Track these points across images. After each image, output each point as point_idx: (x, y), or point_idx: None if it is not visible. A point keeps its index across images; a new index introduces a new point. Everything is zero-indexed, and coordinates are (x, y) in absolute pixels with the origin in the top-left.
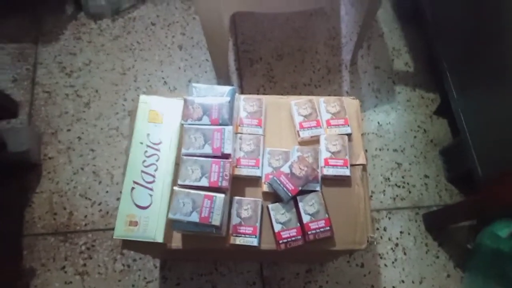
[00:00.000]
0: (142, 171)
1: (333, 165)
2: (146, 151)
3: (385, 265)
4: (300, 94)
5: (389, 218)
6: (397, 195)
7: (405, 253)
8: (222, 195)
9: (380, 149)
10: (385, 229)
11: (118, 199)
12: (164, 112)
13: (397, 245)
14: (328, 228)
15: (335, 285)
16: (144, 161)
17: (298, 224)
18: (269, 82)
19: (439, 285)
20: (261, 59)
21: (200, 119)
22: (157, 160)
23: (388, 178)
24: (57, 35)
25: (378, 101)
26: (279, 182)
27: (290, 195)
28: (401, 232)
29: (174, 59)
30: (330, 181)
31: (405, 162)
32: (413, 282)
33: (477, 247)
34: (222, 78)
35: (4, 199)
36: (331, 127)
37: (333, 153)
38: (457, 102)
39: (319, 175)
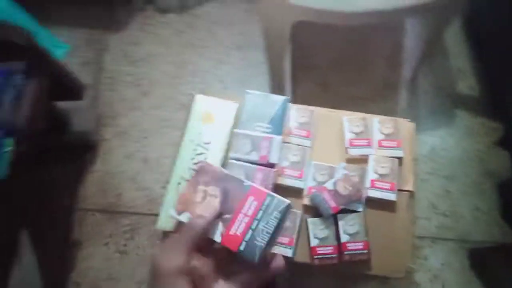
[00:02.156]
0: (190, 168)
1: (379, 188)
2: (195, 149)
3: None
4: (353, 106)
5: (431, 247)
6: (443, 224)
7: (443, 287)
8: None
9: (430, 174)
10: (425, 258)
11: (163, 187)
12: (217, 113)
13: (436, 277)
14: (365, 251)
15: None
16: (193, 158)
17: (336, 242)
18: (322, 91)
19: None
20: (316, 67)
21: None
22: (205, 159)
23: (435, 205)
24: (126, 25)
25: (434, 124)
26: (321, 198)
27: (331, 212)
28: (442, 264)
29: (231, 59)
30: (374, 203)
31: (456, 191)
32: None
33: None
34: (276, 82)
35: (63, 174)
36: (382, 148)
37: (380, 175)
38: None
39: (363, 196)
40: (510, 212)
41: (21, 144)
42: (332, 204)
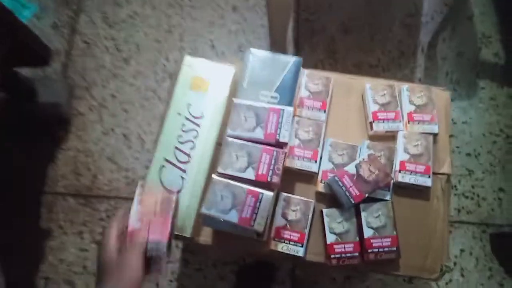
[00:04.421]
0: (176, 148)
1: (411, 171)
2: (184, 125)
3: (437, 285)
4: (363, 76)
5: (450, 232)
6: (463, 207)
7: (462, 275)
8: (271, 193)
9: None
10: None
11: (147, 167)
12: (211, 80)
13: (455, 264)
14: (394, 249)
15: None
16: (180, 136)
17: (357, 239)
18: (329, 58)
19: None
20: (323, 31)
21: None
22: (195, 137)
23: (455, 186)
24: None
25: (456, 95)
26: (341, 184)
27: (353, 202)
28: (461, 250)
29: (226, 21)
30: (404, 190)
31: (478, 170)
32: None
33: None
34: (277, 48)
35: (29, 152)
36: (413, 122)
37: (412, 155)
38: None
39: (392, 181)
40: None
41: None
42: (355, 191)
